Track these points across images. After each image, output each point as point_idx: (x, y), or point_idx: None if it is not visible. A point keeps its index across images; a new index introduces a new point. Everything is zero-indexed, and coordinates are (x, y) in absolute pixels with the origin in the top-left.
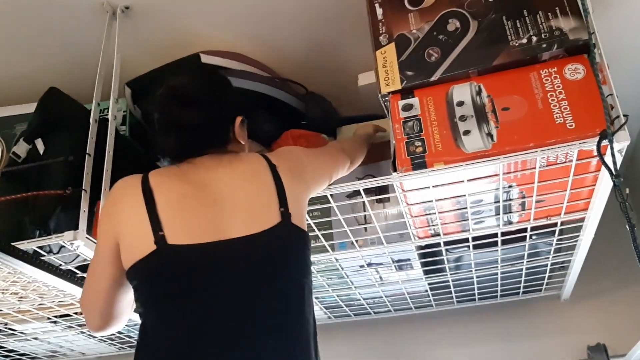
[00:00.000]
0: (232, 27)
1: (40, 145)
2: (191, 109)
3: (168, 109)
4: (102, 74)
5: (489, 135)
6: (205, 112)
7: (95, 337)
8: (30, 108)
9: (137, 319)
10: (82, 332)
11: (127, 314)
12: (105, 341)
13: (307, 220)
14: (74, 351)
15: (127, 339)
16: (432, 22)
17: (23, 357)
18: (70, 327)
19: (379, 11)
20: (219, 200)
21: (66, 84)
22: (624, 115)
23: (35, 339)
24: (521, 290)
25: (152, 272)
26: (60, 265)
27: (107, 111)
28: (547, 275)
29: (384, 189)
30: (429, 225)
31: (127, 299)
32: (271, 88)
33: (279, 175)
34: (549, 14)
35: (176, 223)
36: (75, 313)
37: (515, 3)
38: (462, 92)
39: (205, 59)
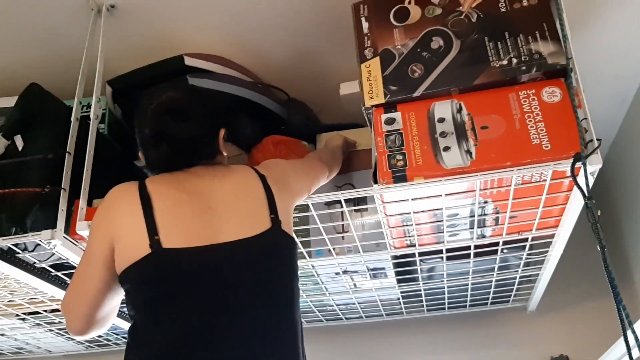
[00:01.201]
0: (217, 32)
1: (19, 141)
2: (183, 122)
3: (160, 123)
4: (84, 72)
5: (468, 152)
6: (197, 125)
7: (63, 335)
8: (8, 101)
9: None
10: (51, 330)
11: (111, 320)
12: (72, 339)
13: None
14: (40, 349)
15: (96, 338)
16: (416, 38)
17: None
18: (38, 324)
19: (365, 25)
20: (213, 206)
21: (45, 78)
22: (597, 139)
23: (2, 335)
24: (489, 301)
25: (146, 275)
26: (35, 263)
27: (86, 108)
28: (515, 287)
29: (362, 199)
30: (406, 236)
31: (113, 303)
32: (253, 93)
33: (269, 184)
34: (529, 37)
35: (171, 227)
36: (45, 311)
37: (497, 25)
38: (443, 109)
39: (188, 61)
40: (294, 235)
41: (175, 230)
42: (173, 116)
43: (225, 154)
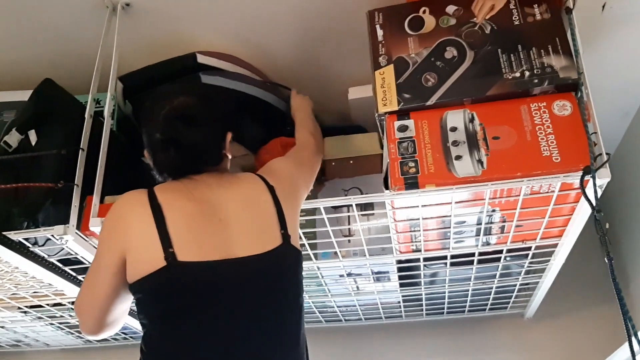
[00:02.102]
0: (228, 32)
1: (33, 136)
2: (195, 128)
3: (172, 129)
4: (98, 69)
5: (480, 161)
6: (207, 132)
7: (64, 329)
8: (19, 96)
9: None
10: (51, 324)
11: (121, 322)
12: (72, 333)
13: None
14: (39, 342)
15: None
16: (430, 48)
17: None
18: (40, 317)
19: (380, 32)
20: (224, 220)
21: (58, 74)
22: (606, 153)
23: (2, 327)
24: (488, 307)
25: (161, 287)
26: (44, 257)
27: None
28: (514, 294)
29: (368, 203)
30: (412, 242)
31: (123, 308)
32: (263, 91)
33: (277, 197)
34: (542, 51)
35: (185, 240)
36: (48, 304)
37: (510, 37)
38: (455, 118)
39: (201, 59)
40: (299, 248)
41: (190, 243)
42: (185, 122)
43: (230, 156)
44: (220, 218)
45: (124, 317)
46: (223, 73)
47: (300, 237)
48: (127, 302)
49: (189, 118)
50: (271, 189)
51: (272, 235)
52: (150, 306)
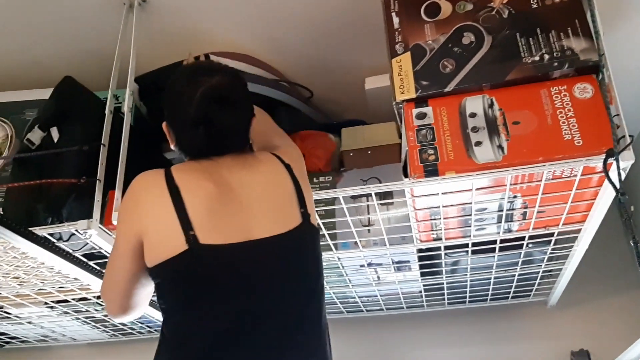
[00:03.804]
0: (244, 27)
1: (55, 133)
2: (231, 110)
3: (208, 108)
4: (117, 66)
5: (500, 147)
6: (241, 114)
7: (89, 323)
8: (41, 94)
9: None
10: (77, 319)
11: (145, 304)
12: (98, 328)
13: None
14: (65, 336)
15: (120, 327)
16: (447, 34)
17: (13, 340)
18: (66, 312)
19: (396, 20)
20: (244, 202)
21: (76, 71)
22: (629, 136)
23: (30, 322)
24: (511, 295)
25: (183, 271)
26: (69, 252)
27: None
28: (537, 281)
29: (387, 193)
30: (433, 230)
31: (145, 292)
32: (276, 91)
33: (295, 175)
34: (561, 33)
35: (206, 223)
36: (73, 299)
37: (529, 21)
38: (474, 104)
39: (214, 59)
40: (317, 227)
41: (210, 225)
42: (222, 103)
43: (252, 141)
44: (241, 201)
45: (146, 299)
46: None
47: (320, 227)
48: (149, 286)
49: (226, 99)
50: (288, 167)
51: (292, 214)
52: (172, 290)
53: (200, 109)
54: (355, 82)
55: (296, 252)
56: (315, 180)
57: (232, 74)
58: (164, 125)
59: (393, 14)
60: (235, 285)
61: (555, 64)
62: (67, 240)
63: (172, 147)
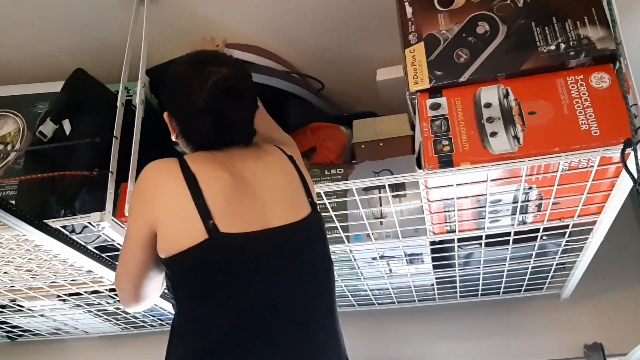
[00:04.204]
0: (255, 19)
1: (67, 125)
2: (240, 102)
3: (218, 99)
4: (128, 58)
5: (516, 137)
6: (249, 107)
7: (101, 316)
8: (52, 87)
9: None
10: (90, 312)
11: (156, 295)
12: (110, 321)
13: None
14: (78, 329)
15: (132, 320)
16: (461, 23)
17: (25, 334)
18: (78, 305)
19: (409, 10)
20: (258, 192)
21: (87, 64)
22: None
23: (42, 315)
24: (523, 288)
25: (204, 260)
26: (83, 244)
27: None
28: (550, 274)
29: (400, 185)
30: (446, 222)
31: (156, 281)
32: (288, 83)
33: (298, 166)
34: (578, 22)
35: (225, 211)
36: (86, 292)
37: (544, 10)
38: (489, 94)
39: (225, 51)
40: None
41: (230, 214)
42: (233, 94)
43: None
44: (254, 191)
45: (158, 290)
46: (249, 66)
47: (332, 220)
48: (161, 275)
49: (236, 90)
50: (291, 159)
51: (302, 204)
52: (189, 281)
53: (211, 99)
54: (366, 73)
55: (308, 240)
56: (327, 172)
57: (240, 65)
58: (165, 115)
59: (406, 4)
60: (255, 273)
61: (572, 53)
62: (80, 233)
63: (173, 137)
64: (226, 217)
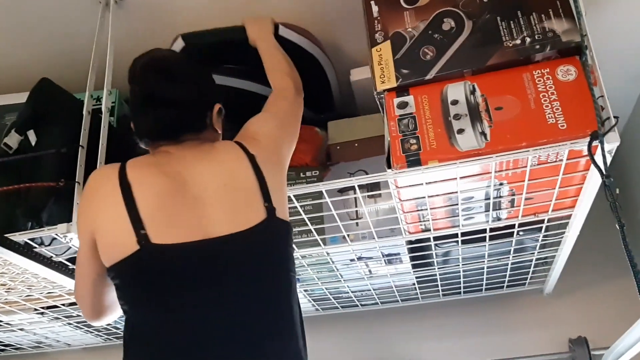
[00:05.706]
0: (226, 21)
1: (32, 136)
2: (172, 83)
3: (150, 81)
4: (94, 66)
5: (483, 134)
6: (186, 89)
7: (82, 328)
8: (21, 98)
9: None
10: (69, 324)
11: (119, 306)
12: (91, 332)
13: (301, 214)
14: (60, 342)
15: (114, 330)
16: (427, 21)
17: (7, 348)
18: (57, 318)
19: (375, 9)
20: (199, 198)
21: (56, 73)
22: (614, 117)
23: (21, 329)
24: (505, 284)
25: (136, 272)
26: (52, 257)
27: (97, 102)
28: (531, 270)
29: (375, 185)
30: (420, 221)
31: (115, 292)
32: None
33: (259, 166)
34: (543, 15)
35: (158, 221)
36: (63, 304)
37: (509, 4)
38: (456, 91)
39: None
40: (288, 218)
41: (163, 224)
42: (161, 74)
43: (219, 131)
44: (195, 197)
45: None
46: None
47: (307, 223)
48: None
49: (167, 71)
50: (252, 158)
51: (254, 210)
52: (128, 292)
53: (142, 81)
54: (341, 73)
55: (259, 249)
56: (302, 175)
57: (173, 51)
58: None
59: (372, 2)
60: (192, 285)
61: (537, 46)
62: (50, 245)
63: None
64: (159, 226)
